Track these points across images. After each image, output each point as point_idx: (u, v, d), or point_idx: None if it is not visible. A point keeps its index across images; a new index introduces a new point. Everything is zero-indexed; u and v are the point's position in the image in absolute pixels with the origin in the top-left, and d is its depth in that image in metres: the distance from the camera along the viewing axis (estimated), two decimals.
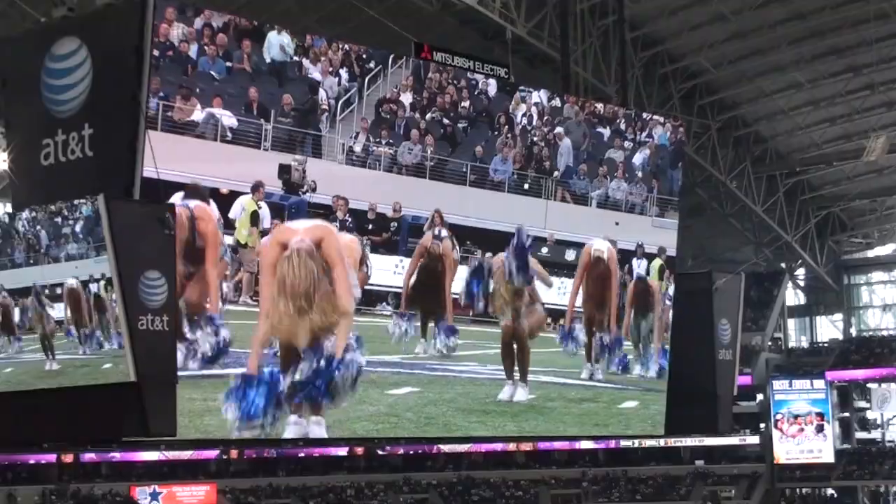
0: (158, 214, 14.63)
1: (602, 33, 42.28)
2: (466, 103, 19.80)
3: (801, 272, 64.85)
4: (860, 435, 58.18)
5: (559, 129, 20.76)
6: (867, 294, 65.99)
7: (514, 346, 20.13)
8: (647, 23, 45.11)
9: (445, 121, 19.58)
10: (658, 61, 47.40)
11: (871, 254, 65.16)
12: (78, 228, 15.34)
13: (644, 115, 23.19)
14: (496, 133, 20.12)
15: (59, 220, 15.65)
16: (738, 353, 22.85)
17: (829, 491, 57.04)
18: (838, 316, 64.98)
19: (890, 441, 57.77)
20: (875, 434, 58.41)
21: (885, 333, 63.13)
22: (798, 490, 57.33)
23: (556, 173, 20.66)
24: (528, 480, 56.11)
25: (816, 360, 60.08)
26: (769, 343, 61.11)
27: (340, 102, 17.92)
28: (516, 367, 20.09)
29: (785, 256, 62.47)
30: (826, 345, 63.40)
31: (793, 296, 65.81)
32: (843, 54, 48.16)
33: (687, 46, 47.35)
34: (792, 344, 65.04)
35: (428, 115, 19.29)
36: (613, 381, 21.81)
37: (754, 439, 57.27)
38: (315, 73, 17.50)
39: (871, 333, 64.04)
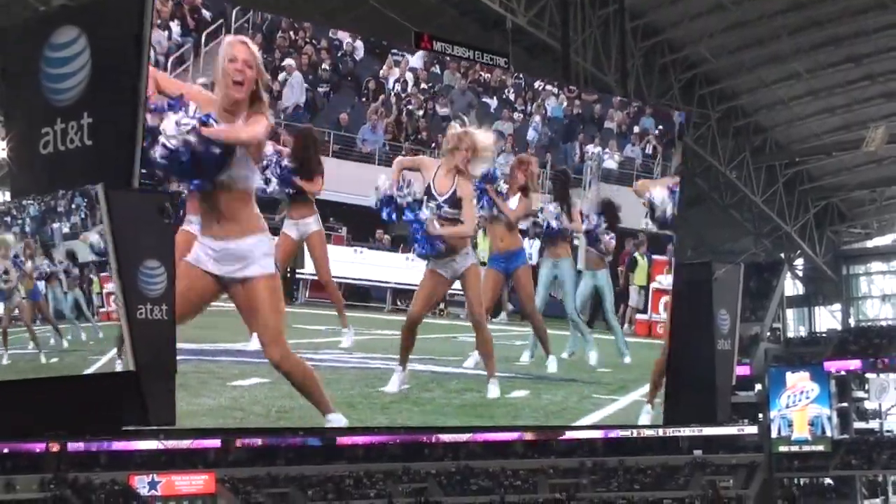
0: (158, 203, 14.63)
1: (602, 23, 42.22)
2: (327, 65, 17.89)
3: (800, 262, 64.78)
4: (858, 425, 58.17)
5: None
6: (866, 284, 65.92)
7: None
8: (647, 12, 45.05)
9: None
10: (658, 51, 47.29)
11: (870, 244, 65.03)
12: (27, 228, 15.39)
13: (536, 84, 20.64)
14: (364, 99, 18.27)
15: (8, 219, 15.64)
16: (737, 343, 22.95)
17: (827, 480, 57.07)
18: (837, 306, 64.88)
19: (888, 431, 57.70)
20: (873, 424, 58.31)
21: (883, 324, 63.03)
22: (796, 479, 57.41)
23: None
24: (526, 470, 56.10)
25: (815, 350, 60.10)
26: (768, 333, 61.07)
27: (171, 60, 15.82)
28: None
29: (784, 247, 62.41)
30: (825, 335, 63.40)
31: (792, 286, 65.72)
32: (843, 44, 48.03)
33: (687, 36, 47.27)
34: (790, 334, 64.98)
35: (281, 77, 17.20)
36: (502, 371, 19.76)
37: (752, 429, 57.26)
38: None
39: (869, 324, 63.95)
